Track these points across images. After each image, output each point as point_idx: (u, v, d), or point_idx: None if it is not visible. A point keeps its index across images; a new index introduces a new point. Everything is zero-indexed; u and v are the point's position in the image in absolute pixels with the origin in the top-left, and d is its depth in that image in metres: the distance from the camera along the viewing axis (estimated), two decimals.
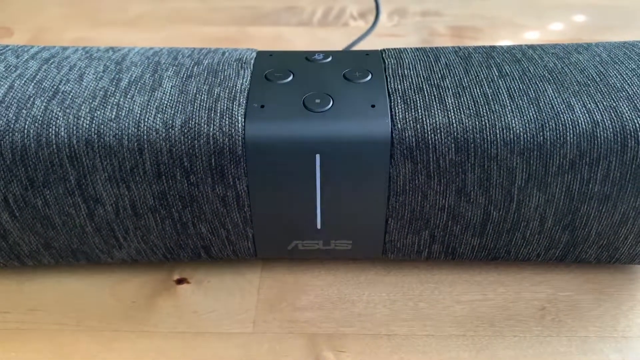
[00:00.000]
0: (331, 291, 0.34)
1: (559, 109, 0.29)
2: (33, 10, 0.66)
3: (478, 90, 0.30)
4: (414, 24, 0.63)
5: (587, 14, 0.65)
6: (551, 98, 0.29)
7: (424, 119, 0.29)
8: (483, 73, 0.31)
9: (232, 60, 0.33)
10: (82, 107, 0.29)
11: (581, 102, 0.29)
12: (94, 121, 0.29)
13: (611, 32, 0.62)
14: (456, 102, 0.29)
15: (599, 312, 0.33)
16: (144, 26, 0.62)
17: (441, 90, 0.30)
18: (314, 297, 0.34)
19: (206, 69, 0.32)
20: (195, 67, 0.32)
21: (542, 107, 0.29)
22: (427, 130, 0.28)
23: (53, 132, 0.28)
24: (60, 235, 0.32)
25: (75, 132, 0.28)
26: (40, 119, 0.28)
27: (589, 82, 0.30)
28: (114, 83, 0.31)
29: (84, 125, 0.28)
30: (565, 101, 0.29)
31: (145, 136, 0.28)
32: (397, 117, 0.29)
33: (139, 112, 0.29)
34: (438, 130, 0.28)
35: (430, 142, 0.28)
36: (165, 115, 0.29)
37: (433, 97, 0.30)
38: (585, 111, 0.29)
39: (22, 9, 0.66)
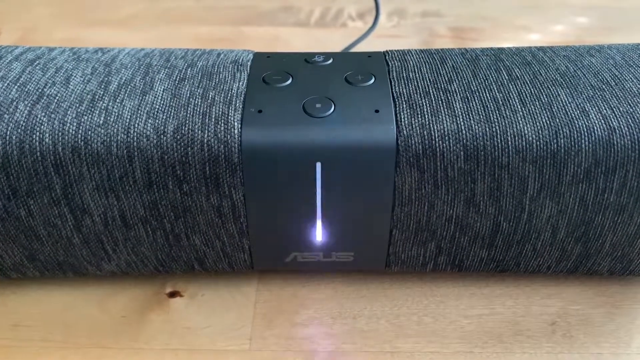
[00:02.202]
0: (331, 305, 0.33)
1: (573, 115, 0.27)
2: (22, 9, 0.64)
3: (488, 95, 0.28)
4: (414, 24, 0.61)
5: (589, 16, 0.64)
6: (565, 103, 0.28)
7: (431, 125, 0.27)
8: (492, 76, 0.30)
9: (228, 62, 0.31)
10: (69, 112, 0.27)
11: (596, 108, 0.28)
12: (81, 127, 0.27)
13: (614, 34, 0.60)
14: (465, 107, 0.28)
15: (612, 327, 0.31)
16: (136, 26, 0.61)
17: (449, 95, 0.29)
18: (313, 311, 0.32)
19: (200, 72, 0.30)
20: (189, 69, 0.30)
21: (555, 113, 0.27)
22: (435, 137, 0.27)
23: (37, 138, 0.27)
24: (45, 247, 0.30)
25: (60, 138, 0.27)
26: (24, 124, 0.27)
27: (603, 86, 0.29)
28: (102, 86, 0.29)
29: (70, 131, 0.27)
30: (579, 106, 0.28)
31: (135, 143, 0.27)
32: (403, 123, 0.27)
33: (128, 117, 0.27)
34: (446, 137, 0.27)
35: (437, 149, 0.27)
36: (157, 121, 0.27)
37: (440, 102, 0.28)
38: (600, 117, 0.27)
39: (10, 8, 0.64)
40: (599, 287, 0.34)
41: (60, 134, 0.27)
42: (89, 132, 0.27)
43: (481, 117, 0.27)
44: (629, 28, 0.62)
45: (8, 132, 0.26)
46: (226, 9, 0.64)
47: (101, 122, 0.27)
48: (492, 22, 0.62)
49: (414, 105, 0.28)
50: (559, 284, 0.34)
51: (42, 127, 0.27)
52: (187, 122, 0.27)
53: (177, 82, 0.29)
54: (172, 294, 0.33)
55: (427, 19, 0.62)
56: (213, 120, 0.27)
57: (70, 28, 0.60)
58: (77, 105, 0.28)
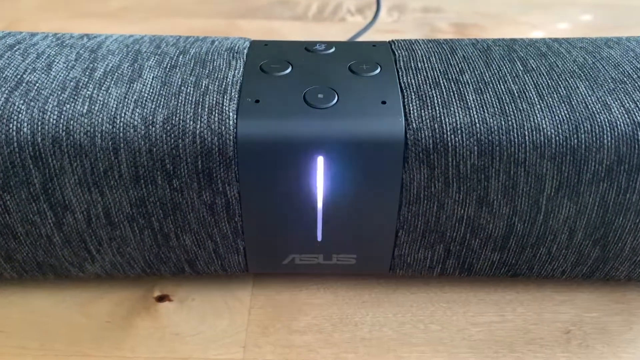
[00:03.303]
0: (331, 311, 0.31)
1: (594, 109, 0.25)
2: None
3: (502, 86, 0.27)
4: (414, 20, 0.59)
5: (594, 13, 0.62)
6: (584, 96, 0.26)
7: (443, 118, 0.25)
8: (506, 67, 0.28)
9: (223, 50, 0.29)
10: (49, 100, 0.25)
11: (618, 101, 0.26)
12: (63, 116, 0.25)
13: (620, 32, 0.59)
14: (478, 99, 0.26)
15: (631, 336, 0.30)
16: (127, 18, 0.58)
17: (461, 86, 0.27)
18: (312, 318, 0.30)
19: (193, 59, 0.28)
20: (181, 56, 0.28)
21: (575, 107, 0.26)
22: (446, 131, 0.25)
23: (14, 128, 0.24)
24: (23, 246, 0.28)
25: (40, 128, 0.24)
26: (0, 112, 0.24)
27: (625, 78, 0.27)
28: (87, 73, 0.27)
29: (51, 120, 0.25)
30: (600, 100, 0.26)
31: (121, 134, 0.25)
32: (412, 115, 0.25)
33: (114, 106, 0.25)
34: (459, 131, 0.25)
35: (449, 144, 0.25)
36: (145, 110, 0.25)
37: (452, 93, 0.26)
38: (623, 111, 0.25)
39: None
40: (614, 293, 0.32)
41: (39, 123, 0.25)
42: (71, 122, 0.25)
43: (496, 109, 0.25)
44: (636, 26, 0.60)
45: None
46: (220, 1, 0.61)
47: (85, 111, 0.25)
48: (495, 18, 0.60)
49: (424, 96, 0.26)
50: (572, 290, 0.32)
51: (20, 115, 0.25)
52: (178, 111, 0.25)
53: (167, 69, 0.27)
54: (161, 298, 0.31)
55: (428, 15, 0.60)
56: (206, 110, 0.25)
57: (57, 20, 0.58)
58: (59, 92, 0.26)
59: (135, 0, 0.61)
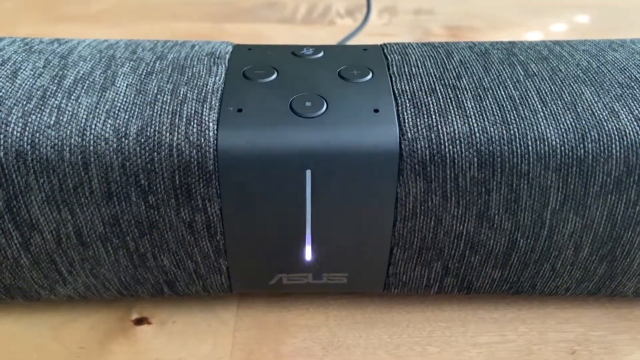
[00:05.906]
0: (322, 333, 0.29)
1: (601, 116, 0.24)
2: None
3: (503, 92, 0.25)
4: (406, 22, 0.58)
5: (589, 15, 0.61)
6: (590, 102, 0.24)
7: (440, 127, 0.23)
8: (506, 72, 0.26)
9: (203, 55, 0.27)
10: (13, 111, 0.23)
11: (627, 108, 0.24)
12: (28, 128, 0.23)
13: (615, 34, 0.57)
14: (477, 106, 0.24)
15: (639, 356, 0.28)
16: (108, 21, 0.56)
17: (458, 92, 0.25)
18: (301, 340, 0.28)
19: (171, 65, 0.26)
20: (158, 62, 0.26)
21: (580, 114, 0.24)
22: (444, 141, 0.23)
23: None
24: None
25: (2, 141, 0.22)
26: None
27: (632, 83, 0.25)
28: (55, 81, 0.25)
29: (15, 133, 0.23)
30: (607, 106, 0.24)
31: (91, 147, 0.23)
32: (407, 124, 0.23)
33: (84, 117, 0.23)
34: (457, 141, 0.23)
35: (447, 155, 0.23)
36: (118, 121, 0.23)
37: (449, 100, 0.24)
38: (632, 118, 0.24)
39: None
40: (620, 309, 0.30)
41: (2, 136, 0.23)
42: (37, 135, 0.23)
43: (497, 117, 0.24)
44: (632, 28, 0.59)
45: None
46: (206, 4, 0.59)
47: (52, 122, 0.23)
48: (489, 20, 0.58)
49: (419, 103, 0.24)
50: (575, 306, 0.30)
51: None
52: (154, 122, 0.23)
53: (143, 76, 0.25)
54: (139, 321, 0.29)
55: (420, 17, 0.59)
56: (184, 120, 0.23)
57: (36, 23, 0.56)
58: (25, 102, 0.24)
59: (117, 3, 0.59)
